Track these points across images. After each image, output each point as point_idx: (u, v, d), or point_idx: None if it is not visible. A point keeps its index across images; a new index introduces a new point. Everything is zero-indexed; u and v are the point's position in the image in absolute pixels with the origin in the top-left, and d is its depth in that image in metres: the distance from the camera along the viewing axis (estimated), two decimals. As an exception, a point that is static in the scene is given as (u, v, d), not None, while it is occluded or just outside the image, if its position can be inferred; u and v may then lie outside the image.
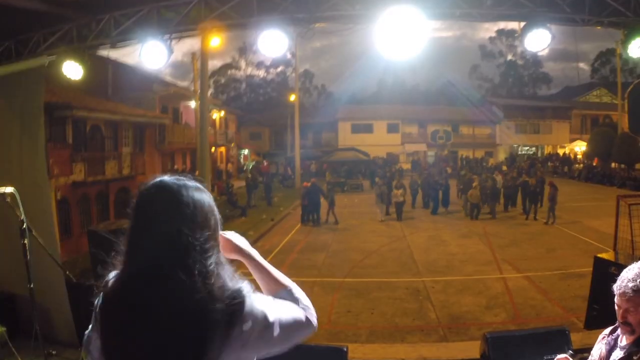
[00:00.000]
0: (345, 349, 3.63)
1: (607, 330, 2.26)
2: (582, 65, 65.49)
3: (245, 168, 36.84)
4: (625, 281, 2.00)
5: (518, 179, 20.15)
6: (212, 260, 1.24)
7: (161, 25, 6.22)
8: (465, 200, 18.63)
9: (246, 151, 42.50)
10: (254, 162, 38.99)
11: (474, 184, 18.34)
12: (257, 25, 5.92)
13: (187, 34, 6.69)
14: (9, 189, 3.22)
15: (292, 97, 35.51)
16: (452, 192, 20.59)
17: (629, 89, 10.39)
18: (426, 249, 13.27)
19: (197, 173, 22.43)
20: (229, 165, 36.32)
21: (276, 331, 1.27)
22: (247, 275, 1.36)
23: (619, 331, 2.13)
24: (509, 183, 19.77)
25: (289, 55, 44.99)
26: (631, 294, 1.96)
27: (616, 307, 2.08)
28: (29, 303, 3.96)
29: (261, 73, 61.96)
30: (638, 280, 1.96)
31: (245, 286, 1.27)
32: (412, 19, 5.07)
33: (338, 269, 11.36)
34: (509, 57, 61.36)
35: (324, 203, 18.05)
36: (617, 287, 2.05)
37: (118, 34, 6.45)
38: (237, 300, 1.22)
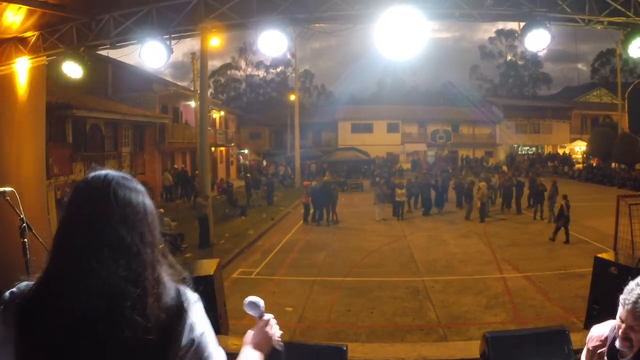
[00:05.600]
0: (345, 348, 3.63)
1: (598, 338, 2.17)
2: (581, 66, 65.54)
3: (242, 170, 36.93)
4: (636, 296, 1.84)
5: (513, 179, 20.21)
6: (148, 266, 1.14)
7: (161, 26, 6.23)
8: (470, 204, 18.40)
9: (246, 151, 42.52)
10: (248, 162, 39.24)
11: (481, 184, 18.18)
12: (257, 25, 5.92)
13: (187, 34, 6.70)
14: (9, 188, 3.23)
15: (292, 97, 35.52)
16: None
17: (629, 89, 10.43)
18: (426, 249, 13.27)
19: (197, 172, 22.50)
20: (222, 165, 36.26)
21: None
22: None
23: (616, 344, 2.00)
24: (507, 183, 19.81)
25: (288, 56, 45.18)
26: (638, 314, 1.82)
27: (618, 320, 1.94)
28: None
29: (261, 73, 62.02)
30: None
31: (189, 301, 1.20)
32: (411, 19, 5.07)
33: (338, 268, 11.36)
34: (509, 57, 61.41)
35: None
36: (625, 301, 1.89)
37: (118, 34, 6.46)
38: (177, 317, 1.15)
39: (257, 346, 1.47)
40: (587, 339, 2.27)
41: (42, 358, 1.07)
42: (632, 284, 1.91)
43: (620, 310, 1.92)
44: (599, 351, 2.15)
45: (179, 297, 1.19)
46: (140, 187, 1.24)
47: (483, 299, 8.78)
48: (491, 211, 18.43)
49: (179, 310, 1.16)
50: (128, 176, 1.24)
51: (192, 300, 1.21)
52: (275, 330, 1.52)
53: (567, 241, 13.04)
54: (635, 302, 1.84)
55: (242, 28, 6.69)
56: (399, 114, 44.96)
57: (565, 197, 13.79)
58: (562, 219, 13.37)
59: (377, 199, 18.76)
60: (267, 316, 1.53)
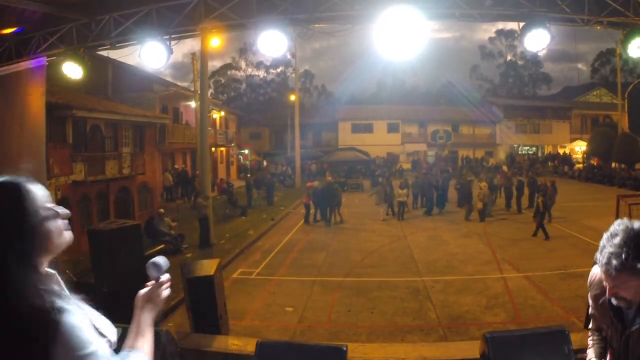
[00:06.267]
0: (344, 348, 3.62)
1: (598, 284, 1.99)
2: (581, 66, 65.53)
3: (243, 170, 37.04)
4: (607, 256, 1.70)
5: (512, 179, 20.23)
6: (17, 271, 1.22)
7: (161, 26, 6.23)
8: (469, 204, 18.31)
9: (246, 151, 42.56)
10: (249, 163, 39.36)
11: (482, 184, 18.14)
12: (257, 25, 5.93)
13: (187, 34, 6.71)
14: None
15: (292, 97, 35.54)
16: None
17: (629, 89, 10.41)
18: (426, 249, 13.27)
19: (197, 173, 22.47)
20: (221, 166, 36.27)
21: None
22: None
23: (613, 301, 1.85)
24: (507, 184, 19.82)
25: (288, 56, 45.17)
26: (614, 274, 1.69)
27: (603, 281, 1.80)
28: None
29: (261, 73, 62.01)
30: (623, 256, 1.66)
31: (61, 306, 1.23)
32: (411, 19, 5.07)
33: (338, 269, 11.36)
34: (509, 57, 61.44)
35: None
36: (599, 260, 1.75)
37: (117, 34, 6.46)
38: (47, 321, 1.20)
39: (153, 306, 1.58)
40: (588, 284, 2.11)
41: None
42: (603, 240, 1.77)
43: (600, 272, 1.80)
44: (600, 301, 2.00)
45: (46, 305, 1.22)
46: (16, 194, 1.31)
47: (483, 299, 8.79)
48: (493, 211, 18.42)
49: (45, 319, 1.20)
50: (10, 182, 1.32)
51: (65, 309, 1.24)
52: (167, 291, 1.63)
53: (535, 234, 13.98)
54: (607, 263, 1.71)
55: (242, 28, 6.70)
56: (399, 114, 44.99)
57: (544, 195, 14.83)
58: (539, 215, 14.15)
59: (378, 198, 18.77)
60: (164, 278, 1.61)
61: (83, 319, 1.27)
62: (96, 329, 1.34)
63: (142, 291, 1.59)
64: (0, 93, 6.99)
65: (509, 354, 3.72)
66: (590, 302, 2.13)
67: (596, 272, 2.04)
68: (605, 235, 1.76)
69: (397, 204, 18.61)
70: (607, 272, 1.72)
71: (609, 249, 1.71)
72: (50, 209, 1.40)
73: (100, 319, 1.44)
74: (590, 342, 2.28)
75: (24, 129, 7.23)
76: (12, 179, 1.34)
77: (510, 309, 8.26)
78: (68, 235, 1.47)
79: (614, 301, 1.82)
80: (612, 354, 2.08)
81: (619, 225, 1.75)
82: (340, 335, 7.44)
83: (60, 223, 1.44)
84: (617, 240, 1.70)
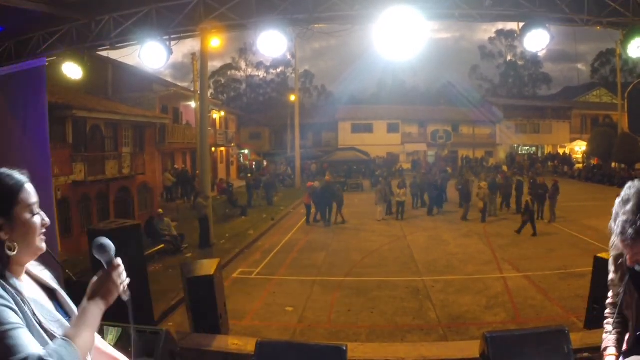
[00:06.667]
0: (344, 348, 3.63)
1: (617, 246, 1.80)
2: (581, 66, 65.52)
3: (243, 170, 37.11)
4: (621, 225, 1.61)
5: (511, 179, 20.24)
6: None
7: (160, 26, 6.24)
8: (468, 204, 18.31)
9: (246, 151, 42.57)
10: (248, 163, 39.52)
11: (482, 184, 18.12)
12: (257, 26, 5.93)
13: (187, 34, 6.71)
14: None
15: (292, 98, 35.55)
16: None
17: (629, 89, 10.45)
18: (426, 249, 13.28)
19: (197, 173, 22.48)
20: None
21: None
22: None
23: (636, 268, 1.73)
24: (506, 183, 19.84)
25: (288, 56, 45.12)
26: (631, 243, 1.60)
27: (622, 250, 1.71)
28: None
29: (261, 73, 61.93)
30: (638, 222, 1.55)
31: None
32: (411, 19, 5.08)
33: (338, 268, 11.37)
34: (509, 57, 61.39)
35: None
36: (614, 230, 1.66)
37: (117, 35, 6.47)
38: None
39: (101, 295, 1.42)
40: (610, 244, 1.98)
41: None
42: (616, 206, 1.67)
43: (617, 241, 1.70)
44: (618, 262, 1.91)
45: None
46: (17, 182, 1.43)
47: (483, 299, 8.79)
48: (496, 210, 18.40)
49: None
50: (16, 174, 1.45)
51: None
52: (123, 278, 1.48)
53: (534, 234, 14.09)
54: (622, 233, 1.61)
55: (241, 29, 6.71)
56: (399, 114, 44.99)
57: (541, 195, 15.35)
58: (528, 213, 14.39)
59: (378, 198, 18.78)
60: (116, 262, 1.47)
61: (6, 303, 1.27)
62: (40, 322, 1.34)
63: (94, 279, 1.46)
64: (0, 94, 6.99)
65: (508, 354, 3.73)
66: (611, 266, 2.01)
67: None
68: (618, 201, 1.67)
69: (395, 204, 18.64)
70: (624, 242, 1.62)
71: (623, 217, 1.61)
72: (39, 212, 1.47)
73: (54, 322, 1.41)
74: (606, 327, 2.08)
75: (27, 130, 7.22)
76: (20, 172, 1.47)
77: (510, 309, 8.27)
78: (44, 244, 1.49)
79: (637, 267, 1.72)
80: (632, 330, 1.93)
81: (630, 189, 1.65)
82: (340, 335, 7.44)
83: (44, 230, 1.48)
84: (630, 206, 1.60)
